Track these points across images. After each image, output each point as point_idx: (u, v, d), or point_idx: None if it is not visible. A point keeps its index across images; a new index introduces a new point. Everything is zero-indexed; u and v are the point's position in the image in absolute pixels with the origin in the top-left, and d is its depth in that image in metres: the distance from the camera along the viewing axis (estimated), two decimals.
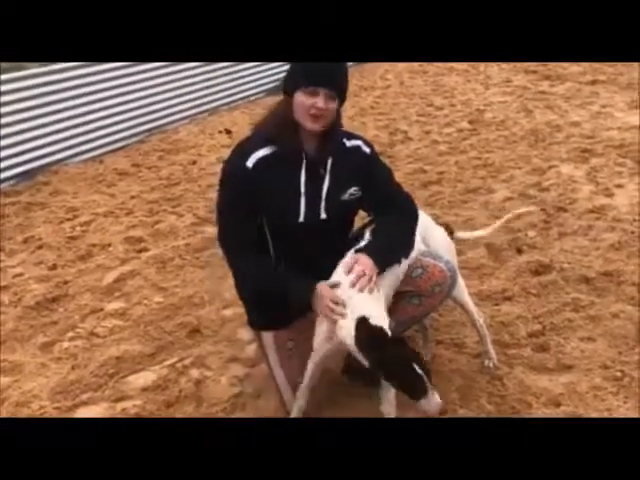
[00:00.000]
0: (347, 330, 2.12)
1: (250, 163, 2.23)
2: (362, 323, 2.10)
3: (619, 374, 2.73)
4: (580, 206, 4.47)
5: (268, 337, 2.48)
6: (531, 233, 4.10)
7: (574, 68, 8.90)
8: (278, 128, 2.26)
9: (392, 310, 2.67)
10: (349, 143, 2.40)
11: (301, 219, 2.30)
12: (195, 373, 2.97)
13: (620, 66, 8.76)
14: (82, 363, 3.10)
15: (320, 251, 2.30)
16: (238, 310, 3.26)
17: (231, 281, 2.62)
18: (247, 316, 2.64)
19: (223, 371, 2.98)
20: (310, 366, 2.35)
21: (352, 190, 2.37)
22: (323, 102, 2.19)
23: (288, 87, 2.25)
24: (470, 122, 6.90)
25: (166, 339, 3.26)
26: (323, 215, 2.32)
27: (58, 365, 3.13)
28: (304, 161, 2.29)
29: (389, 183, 2.48)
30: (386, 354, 2.05)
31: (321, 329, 2.25)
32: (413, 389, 2.02)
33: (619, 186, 4.77)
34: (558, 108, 7.07)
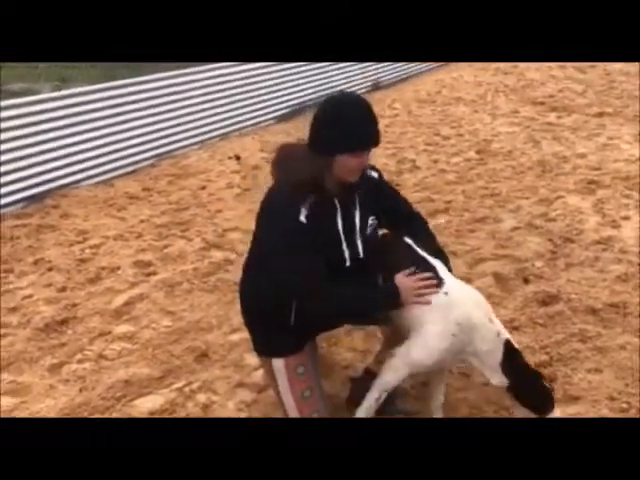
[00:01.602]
0: (492, 348, 2.30)
1: (303, 217, 2.21)
2: (509, 347, 2.31)
3: (625, 405, 2.74)
4: (587, 237, 4.49)
5: (279, 363, 2.45)
6: (538, 263, 4.11)
7: (581, 100, 8.97)
8: (318, 185, 2.26)
9: (393, 340, 2.71)
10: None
11: (347, 263, 2.35)
12: (202, 398, 2.99)
13: (626, 99, 8.82)
14: (90, 385, 3.12)
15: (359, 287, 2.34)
16: (245, 335, 3.25)
17: (239, 306, 2.63)
18: (254, 344, 2.62)
19: (230, 396, 3.00)
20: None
21: (371, 221, 2.45)
22: (368, 158, 2.28)
23: (329, 151, 2.23)
24: (477, 152, 6.94)
25: (174, 363, 3.27)
26: (361, 254, 2.39)
27: (66, 387, 3.14)
28: (338, 208, 2.33)
29: (399, 197, 2.64)
30: (527, 381, 2.32)
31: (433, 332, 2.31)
32: (545, 407, 2.29)
33: (625, 218, 4.80)
34: (565, 139, 7.12)
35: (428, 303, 2.29)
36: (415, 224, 2.62)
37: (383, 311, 2.44)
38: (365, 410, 2.45)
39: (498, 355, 2.29)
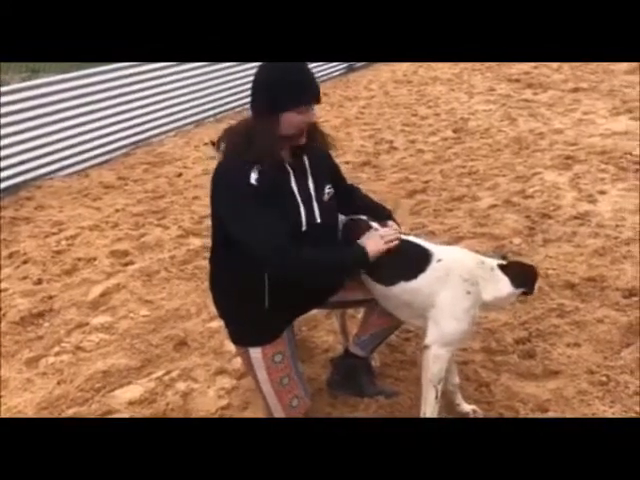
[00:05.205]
0: (495, 280, 2.37)
1: (254, 180, 2.18)
2: (505, 266, 2.42)
3: (604, 379, 2.75)
4: (564, 212, 4.51)
5: (256, 353, 2.41)
6: (516, 240, 4.12)
7: (556, 76, 8.98)
8: (264, 149, 2.22)
9: (368, 322, 2.69)
10: (313, 144, 2.45)
11: (304, 227, 2.30)
12: (182, 386, 2.97)
13: (601, 73, 8.84)
14: (68, 378, 3.08)
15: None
16: None
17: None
18: (229, 334, 2.57)
19: (210, 383, 2.98)
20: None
21: (327, 189, 2.43)
22: (315, 116, 2.28)
23: (273, 107, 2.21)
24: (454, 131, 6.94)
25: (153, 352, 3.24)
26: (318, 219, 2.35)
27: (44, 380, 3.11)
28: (290, 172, 2.30)
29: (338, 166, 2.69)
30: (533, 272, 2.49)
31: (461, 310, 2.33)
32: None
33: (602, 192, 4.81)
34: (541, 116, 7.12)
35: (396, 246, 2.34)
36: (355, 188, 2.73)
37: (354, 270, 2.40)
38: (430, 414, 2.39)
39: (505, 282, 2.37)
